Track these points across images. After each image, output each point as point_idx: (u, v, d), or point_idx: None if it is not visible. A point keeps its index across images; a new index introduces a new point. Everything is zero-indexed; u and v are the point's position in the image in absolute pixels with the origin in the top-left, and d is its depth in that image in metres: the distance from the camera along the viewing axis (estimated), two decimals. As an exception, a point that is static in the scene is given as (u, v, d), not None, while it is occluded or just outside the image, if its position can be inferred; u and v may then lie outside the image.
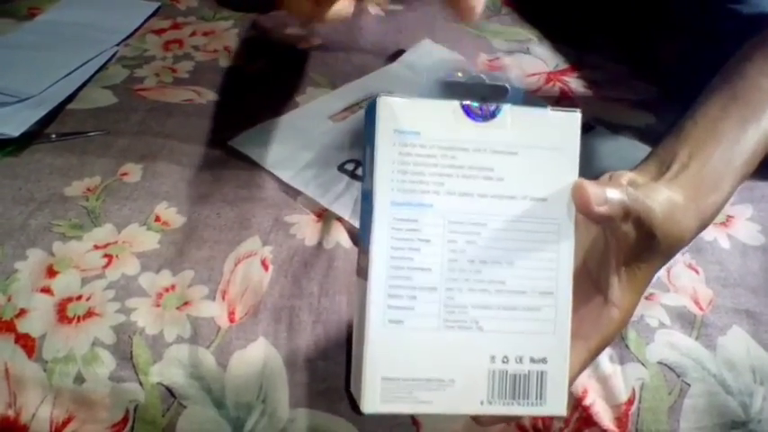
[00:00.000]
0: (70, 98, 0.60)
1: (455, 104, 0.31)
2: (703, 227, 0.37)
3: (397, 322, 0.30)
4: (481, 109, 0.31)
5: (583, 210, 0.31)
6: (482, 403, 0.31)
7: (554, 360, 0.31)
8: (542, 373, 0.31)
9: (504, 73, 0.31)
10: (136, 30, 0.73)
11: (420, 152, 0.30)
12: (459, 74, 0.32)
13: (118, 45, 0.70)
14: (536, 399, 0.31)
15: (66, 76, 0.62)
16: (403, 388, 0.30)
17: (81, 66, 0.64)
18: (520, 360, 0.31)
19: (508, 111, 0.31)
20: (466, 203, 0.30)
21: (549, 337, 0.31)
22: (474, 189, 0.30)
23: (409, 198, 0.30)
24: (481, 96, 0.31)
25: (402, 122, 0.30)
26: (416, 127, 0.30)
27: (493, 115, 0.31)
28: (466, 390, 0.30)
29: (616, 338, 0.36)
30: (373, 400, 0.30)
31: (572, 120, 0.31)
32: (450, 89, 0.31)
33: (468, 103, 0.30)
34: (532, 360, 0.31)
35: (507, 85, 0.31)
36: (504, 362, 0.31)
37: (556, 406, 0.31)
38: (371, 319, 0.30)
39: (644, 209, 0.33)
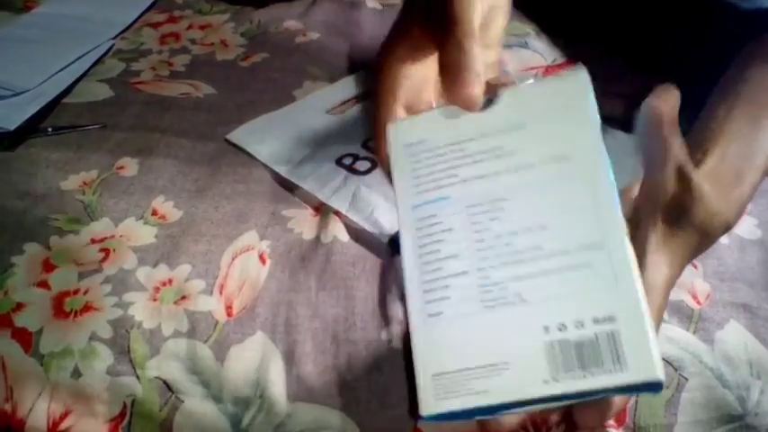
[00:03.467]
0: (66, 92, 0.59)
1: (453, 106, 0.32)
2: (729, 221, 0.36)
3: (436, 315, 0.29)
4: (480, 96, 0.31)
5: (656, 124, 0.32)
6: (546, 382, 0.27)
7: (625, 316, 0.26)
8: (613, 333, 0.26)
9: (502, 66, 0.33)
10: (132, 23, 0.73)
11: (428, 155, 0.31)
12: None
13: (114, 38, 0.69)
14: (613, 364, 0.26)
15: (61, 69, 0.62)
16: (456, 381, 0.28)
17: (77, 59, 0.64)
18: (581, 324, 0.27)
19: (506, 94, 0.31)
20: (482, 185, 0.30)
21: (612, 293, 0.27)
22: (487, 170, 0.30)
23: (426, 197, 0.31)
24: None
25: (409, 137, 0.32)
26: (422, 136, 0.32)
27: (490, 102, 0.31)
28: (524, 370, 0.27)
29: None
30: (428, 402, 0.28)
31: (576, 76, 0.31)
32: None
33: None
34: (596, 320, 0.27)
35: (509, 75, 0.32)
36: (560, 329, 0.27)
37: (644, 370, 0.25)
38: (413, 319, 0.29)
39: (686, 160, 0.34)
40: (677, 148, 0.34)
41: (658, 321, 0.33)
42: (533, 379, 0.27)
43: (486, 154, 0.30)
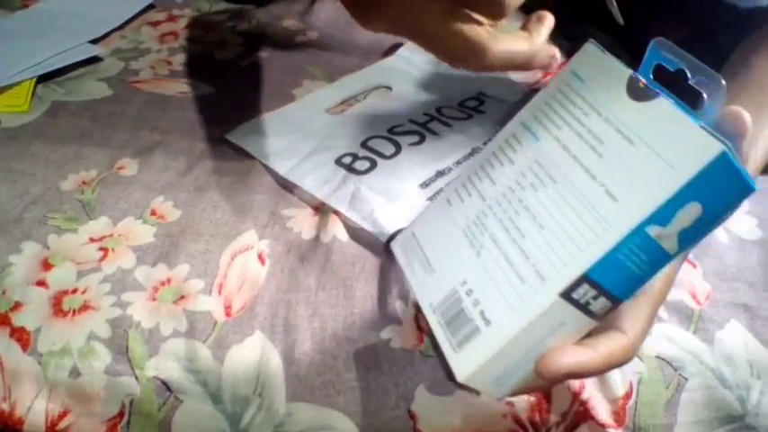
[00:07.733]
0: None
1: (628, 73, 0.30)
2: None
3: (448, 202, 0.34)
4: (644, 87, 0.29)
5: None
6: (432, 307, 0.32)
7: (497, 326, 0.29)
8: (478, 328, 0.29)
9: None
10: (127, 21, 0.73)
11: (568, 94, 0.31)
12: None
13: (105, 37, 0.69)
14: (458, 340, 0.30)
15: (32, 66, 0.61)
16: (409, 240, 0.35)
17: (51, 57, 0.62)
18: (476, 303, 0.30)
19: (662, 103, 0.28)
20: (558, 156, 0.30)
21: (508, 309, 0.29)
22: (574, 149, 0.29)
23: (531, 124, 0.32)
24: (679, 88, 0.29)
25: (582, 68, 0.31)
26: (587, 75, 0.31)
27: (646, 98, 0.28)
28: (435, 281, 0.32)
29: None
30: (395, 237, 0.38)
31: (710, 149, 0.26)
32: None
33: (637, 75, 0.29)
34: (482, 313, 0.29)
35: (706, 99, 0.28)
36: (467, 294, 0.30)
37: (459, 368, 0.30)
38: (440, 196, 0.35)
39: None
40: None
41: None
42: (429, 294, 0.33)
43: (589, 135, 0.29)
